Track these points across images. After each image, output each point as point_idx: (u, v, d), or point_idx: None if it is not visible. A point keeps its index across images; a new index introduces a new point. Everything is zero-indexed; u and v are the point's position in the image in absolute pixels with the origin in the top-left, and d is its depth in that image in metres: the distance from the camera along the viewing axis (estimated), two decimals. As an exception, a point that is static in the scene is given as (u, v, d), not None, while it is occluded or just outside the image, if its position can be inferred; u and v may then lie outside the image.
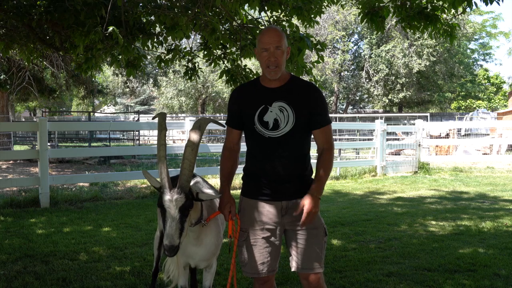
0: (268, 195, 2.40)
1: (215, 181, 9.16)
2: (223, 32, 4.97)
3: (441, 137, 16.43)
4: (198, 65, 6.00)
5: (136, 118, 27.24)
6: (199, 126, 2.39)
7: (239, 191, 2.59)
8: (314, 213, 2.32)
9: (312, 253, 2.40)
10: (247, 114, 2.42)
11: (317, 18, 4.93)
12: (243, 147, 2.54)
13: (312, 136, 2.48)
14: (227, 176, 2.49)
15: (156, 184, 2.33)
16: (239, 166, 2.60)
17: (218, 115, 29.77)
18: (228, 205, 2.41)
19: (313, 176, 2.48)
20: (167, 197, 2.21)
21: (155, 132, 16.78)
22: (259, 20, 5.32)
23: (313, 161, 2.37)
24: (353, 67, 30.48)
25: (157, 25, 4.93)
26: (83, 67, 4.91)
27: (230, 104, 2.54)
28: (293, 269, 2.45)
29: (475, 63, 37.74)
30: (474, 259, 4.32)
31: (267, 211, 2.41)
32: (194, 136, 2.35)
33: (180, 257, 2.58)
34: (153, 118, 2.65)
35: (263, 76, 2.45)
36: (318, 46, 4.82)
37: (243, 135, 2.54)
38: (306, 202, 2.30)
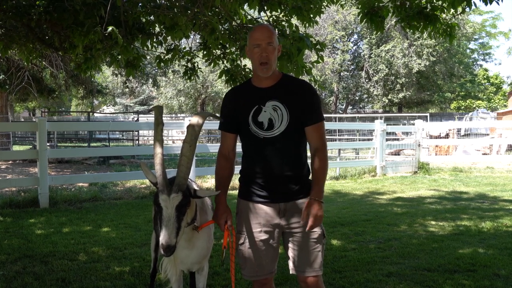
0: (266, 196, 2.38)
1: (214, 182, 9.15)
2: (222, 32, 4.96)
3: (440, 137, 16.44)
4: (197, 65, 5.99)
5: (135, 118, 27.23)
6: (197, 120, 2.32)
7: (236, 192, 2.57)
8: (320, 217, 2.28)
9: (310, 255, 2.37)
10: (241, 116, 2.39)
11: (317, 18, 4.92)
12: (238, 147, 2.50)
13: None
14: (223, 184, 2.45)
15: (152, 178, 2.27)
16: (236, 166, 2.56)
17: (217, 115, 29.71)
18: (225, 215, 2.37)
19: (310, 177, 2.46)
20: (164, 195, 2.15)
21: (155, 132, 16.64)
22: (259, 20, 5.32)
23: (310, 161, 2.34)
24: (352, 67, 30.48)
25: (157, 25, 4.92)
26: (83, 67, 4.90)
27: (223, 107, 2.50)
28: (291, 272, 2.43)
29: (474, 63, 37.78)
30: (473, 259, 4.32)
31: (265, 213, 2.38)
32: (193, 127, 2.28)
33: (176, 257, 2.54)
34: (149, 111, 2.60)
35: (254, 77, 2.43)
36: (318, 46, 4.81)
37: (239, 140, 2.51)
38: (311, 208, 2.27)
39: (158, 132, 2.31)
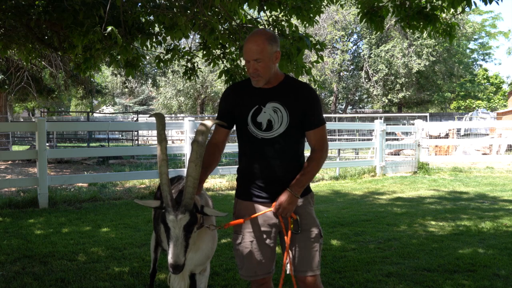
0: (263, 197, 2.37)
1: (214, 182, 9.14)
2: (222, 32, 4.96)
3: (440, 137, 16.43)
4: (197, 65, 5.99)
5: (135, 118, 27.22)
6: (202, 133, 2.25)
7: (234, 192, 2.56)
8: (285, 208, 2.28)
9: (308, 255, 2.37)
10: (240, 114, 2.38)
11: (316, 18, 4.92)
12: (233, 148, 2.48)
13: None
14: (204, 168, 2.31)
15: (153, 204, 2.29)
16: (234, 166, 2.55)
17: (217, 115, 29.70)
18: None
19: None
20: (171, 216, 2.15)
21: (154, 132, 16.69)
22: (258, 20, 5.32)
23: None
24: (352, 67, 30.49)
25: (156, 25, 4.92)
26: (82, 67, 4.90)
27: (221, 102, 2.47)
28: (288, 272, 2.41)
29: (474, 63, 37.80)
30: (473, 259, 4.32)
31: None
32: (198, 144, 2.23)
33: (184, 271, 2.52)
34: (150, 116, 2.55)
35: None
36: (318, 46, 4.81)
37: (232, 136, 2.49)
38: (281, 196, 2.28)
39: (162, 150, 2.25)
